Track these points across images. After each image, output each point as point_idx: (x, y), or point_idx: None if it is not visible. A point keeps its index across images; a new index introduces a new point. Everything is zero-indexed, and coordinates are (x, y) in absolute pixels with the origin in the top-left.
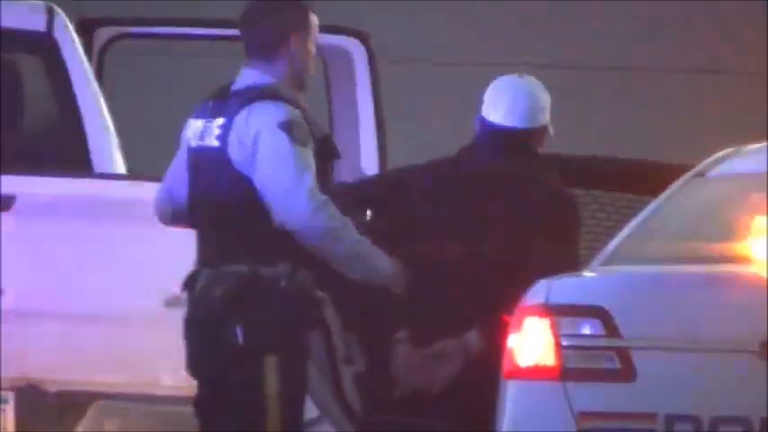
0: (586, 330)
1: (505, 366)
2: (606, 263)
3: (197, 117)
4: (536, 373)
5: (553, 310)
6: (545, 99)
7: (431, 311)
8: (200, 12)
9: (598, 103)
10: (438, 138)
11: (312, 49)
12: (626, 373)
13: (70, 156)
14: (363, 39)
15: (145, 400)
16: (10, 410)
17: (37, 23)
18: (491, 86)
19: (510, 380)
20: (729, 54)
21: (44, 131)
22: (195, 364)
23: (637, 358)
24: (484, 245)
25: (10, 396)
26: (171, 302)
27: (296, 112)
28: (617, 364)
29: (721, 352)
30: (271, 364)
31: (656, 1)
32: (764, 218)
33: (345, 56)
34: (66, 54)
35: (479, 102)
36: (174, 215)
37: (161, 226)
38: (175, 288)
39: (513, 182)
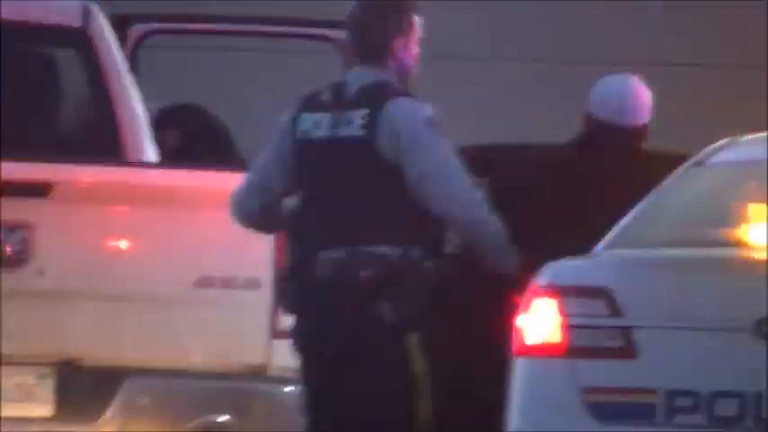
0: (591, 310)
1: (515, 344)
2: (610, 247)
3: (311, 111)
4: (544, 350)
5: (560, 292)
6: (648, 97)
7: None
8: (219, 9)
9: None
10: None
11: (416, 48)
12: (628, 350)
13: (104, 144)
14: None
15: (176, 375)
16: (49, 385)
17: (73, 19)
18: (599, 84)
19: (519, 357)
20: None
21: (80, 122)
22: (325, 342)
23: (638, 337)
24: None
25: (50, 372)
26: (200, 283)
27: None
28: (620, 342)
29: (718, 330)
30: (415, 344)
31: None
32: (761, 204)
33: None
34: (101, 49)
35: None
36: (262, 207)
37: (190, 211)
38: (204, 270)
39: (618, 178)
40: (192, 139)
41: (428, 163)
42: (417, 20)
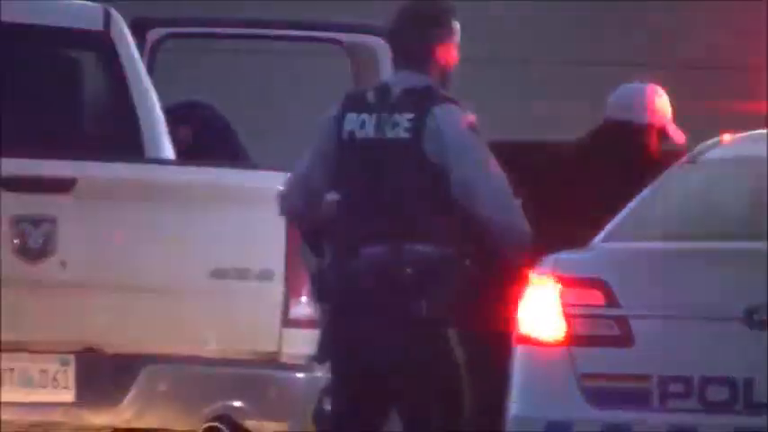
0: (588, 300)
1: (516, 333)
2: (607, 239)
3: (355, 112)
4: (543, 339)
5: (558, 282)
6: (659, 100)
7: None
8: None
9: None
10: None
11: (456, 54)
12: (624, 338)
13: (124, 143)
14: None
15: (192, 362)
16: (71, 371)
17: (95, 23)
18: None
19: (519, 345)
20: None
21: (101, 121)
22: (366, 335)
23: (634, 325)
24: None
25: (71, 359)
26: (216, 275)
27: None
28: (616, 331)
29: (710, 319)
30: (454, 337)
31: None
32: (750, 199)
33: (371, 52)
34: (121, 51)
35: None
36: (309, 206)
37: (206, 206)
38: (219, 262)
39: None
40: (199, 136)
41: (473, 170)
42: (457, 25)
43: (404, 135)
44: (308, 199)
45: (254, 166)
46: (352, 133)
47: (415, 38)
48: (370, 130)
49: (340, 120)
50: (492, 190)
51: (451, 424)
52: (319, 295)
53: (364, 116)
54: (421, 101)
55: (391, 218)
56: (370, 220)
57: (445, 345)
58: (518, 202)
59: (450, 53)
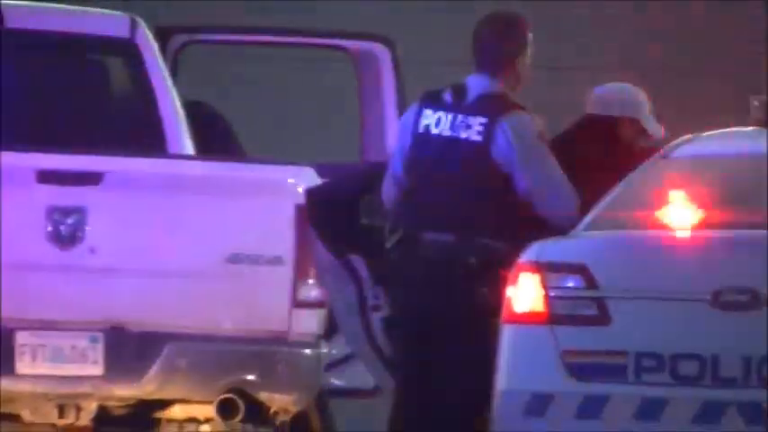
0: (570, 283)
1: (504, 313)
2: (587, 228)
3: (432, 108)
4: (529, 318)
5: (543, 267)
6: (633, 95)
7: None
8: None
9: None
10: None
11: (528, 63)
12: (602, 318)
13: (148, 139)
14: (389, 44)
15: (209, 340)
16: (100, 348)
17: (121, 31)
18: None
19: (507, 324)
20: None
21: (127, 120)
22: (426, 313)
23: (611, 306)
24: None
25: (100, 336)
26: (231, 260)
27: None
28: (595, 311)
29: (681, 301)
30: (495, 326)
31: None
32: (716, 191)
33: (374, 58)
34: (146, 56)
35: None
36: (397, 192)
37: (222, 198)
38: (234, 248)
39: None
40: (200, 133)
41: (541, 175)
42: (531, 38)
43: (475, 138)
44: (399, 188)
45: (268, 161)
46: (427, 128)
47: (495, 45)
48: (445, 128)
49: (418, 114)
50: (557, 195)
51: (483, 396)
52: (378, 278)
53: (440, 114)
54: (494, 107)
55: (459, 211)
56: (439, 210)
57: (494, 329)
58: (573, 194)
59: (525, 63)
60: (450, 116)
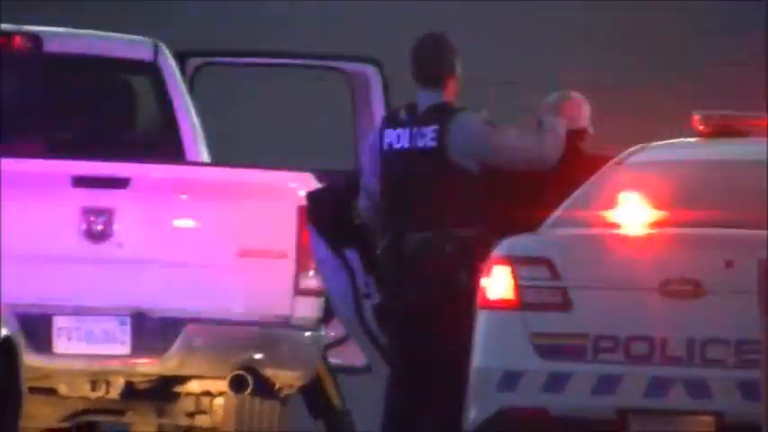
0: (537, 275)
1: (479, 300)
2: (551, 226)
3: (393, 127)
4: (501, 305)
5: (513, 260)
6: (578, 107)
7: None
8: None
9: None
10: None
11: (460, 76)
12: (565, 305)
13: (169, 148)
14: (378, 65)
15: (222, 323)
16: (127, 330)
17: (146, 54)
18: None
19: (482, 310)
20: None
21: (150, 131)
22: (415, 299)
23: (573, 294)
24: None
25: (127, 320)
26: (242, 254)
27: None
28: (559, 299)
29: (633, 289)
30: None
31: None
32: (665, 193)
33: (365, 78)
34: (167, 76)
35: None
36: (374, 206)
37: (234, 199)
38: (246, 243)
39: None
40: None
41: (501, 149)
42: (458, 51)
43: (431, 144)
44: (373, 200)
45: (272, 168)
46: (390, 145)
47: (439, 65)
48: (404, 142)
49: (381, 135)
50: (522, 153)
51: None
52: (369, 269)
53: (399, 131)
54: (441, 114)
55: (431, 210)
56: (414, 213)
57: (474, 308)
58: (534, 137)
59: (459, 74)
60: (407, 131)
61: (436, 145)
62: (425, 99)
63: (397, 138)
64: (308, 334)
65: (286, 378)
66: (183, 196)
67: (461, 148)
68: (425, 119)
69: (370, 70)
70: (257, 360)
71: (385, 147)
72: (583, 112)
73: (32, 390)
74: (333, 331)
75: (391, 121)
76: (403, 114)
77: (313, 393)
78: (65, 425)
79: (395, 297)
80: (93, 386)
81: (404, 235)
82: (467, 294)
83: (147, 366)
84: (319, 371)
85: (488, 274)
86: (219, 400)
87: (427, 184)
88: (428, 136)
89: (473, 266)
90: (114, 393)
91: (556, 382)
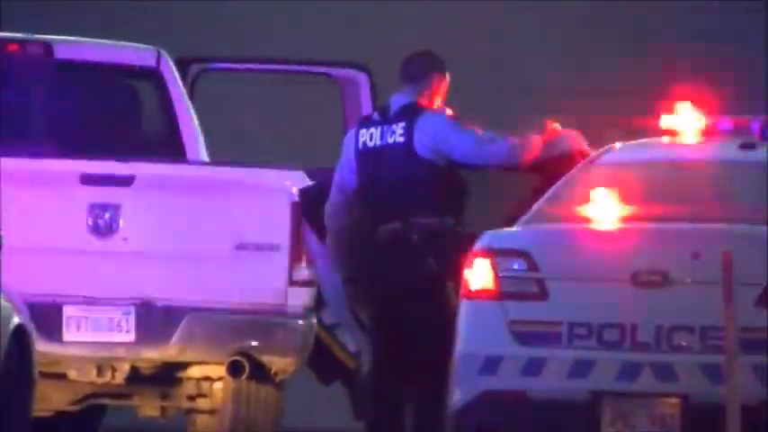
0: (515, 266)
1: (462, 291)
2: (529, 221)
3: (366, 127)
4: (482, 294)
5: (493, 253)
6: None
7: None
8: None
9: None
10: None
11: (443, 90)
12: (541, 294)
13: (171, 149)
14: (367, 71)
15: (221, 312)
16: (132, 319)
17: (150, 61)
18: None
19: (464, 300)
20: None
21: (154, 133)
22: (388, 286)
23: (549, 285)
24: None
25: (132, 310)
26: (239, 247)
27: (447, 113)
28: (536, 289)
29: (605, 280)
30: (451, 287)
31: None
32: (633, 190)
33: (354, 83)
34: (169, 82)
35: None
36: (345, 201)
37: (232, 197)
38: (242, 237)
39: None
40: None
41: (464, 146)
42: (447, 76)
43: (399, 139)
44: (345, 195)
45: (268, 166)
46: (365, 144)
47: (413, 70)
48: (377, 140)
49: (356, 135)
50: (487, 150)
51: (442, 350)
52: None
53: (372, 130)
54: (410, 113)
55: (400, 200)
56: (385, 205)
57: (443, 293)
58: (499, 137)
59: (441, 84)
60: (378, 129)
61: (404, 140)
62: (398, 100)
63: (371, 136)
64: (301, 322)
65: (280, 363)
66: (184, 193)
67: (427, 144)
68: (396, 118)
69: (359, 75)
70: (253, 347)
71: (360, 146)
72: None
73: (44, 375)
74: (325, 319)
75: (365, 121)
76: (376, 115)
77: (321, 360)
78: (74, 408)
79: (369, 286)
80: (101, 372)
81: (375, 227)
82: (436, 280)
83: (151, 353)
84: (323, 338)
85: (470, 265)
86: (219, 385)
87: (397, 177)
88: (397, 132)
89: (440, 254)
90: (120, 378)
91: (533, 367)
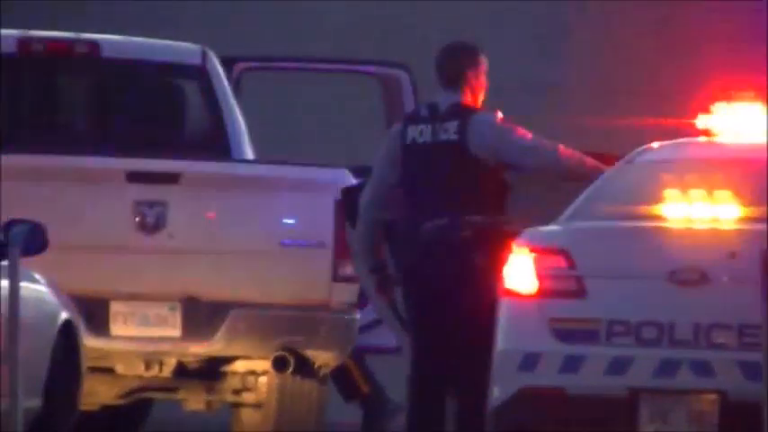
0: (555, 264)
1: (501, 288)
2: (568, 219)
3: (416, 124)
4: (521, 291)
5: (533, 250)
6: None
7: None
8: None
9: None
10: None
11: (483, 80)
12: (580, 292)
13: (216, 147)
14: (408, 70)
15: (266, 307)
16: (178, 314)
17: (195, 59)
18: None
19: (504, 296)
20: None
21: (199, 131)
22: (431, 282)
23: (588, 282)
24: None
25: (178, 305)
26: (285, 243)
27: (498, 116)
28: (574, 286)
29: (643, 278)
30: (489, 283)
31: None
32: (671, 189)
33: (396, 81)
34: (214, 80)
35: None
36: (382, 195)
37: (278, 193)
38: (287, 234)
39: None
40: None
41: (516, 148)
42: (485, 60)
43: (453, 137)
44: (382, 192)
45: (312, 165)
46: (414, 139)
47: (451, 67)
48: (427, 137)
49: (404, 132)
50: (536, 154)
51: (489, 342)
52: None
53: (422, 126)
54: (463, 112)
55: (448, 198)
56: (433, 201)
57: (490, 288)
58: (549, 143)
59: (478, 78)
60: (429, 126)
61: (458, 138)
62: (446, 99)
63: (420, 133)
64: (344, 317)
65: (324, 358)
66: (229, 190)
67: (479, 144)
68: (447, 115)
69: (401, 74)
70: (298, 341)
71: (408, 141)
72: None
73: (91, 369)
74: (367, 315)
75: (413, 118)
76: (425, 112)
77: (342, 379)
78: (121, 401)
79: (412, 280)
80: (147, 366)
81: (420, 224)
82: (482, 276)
83: (197, 348)
84: (345, 361)
85: (510, 263)
86: (263, 379)
87: (446, 174)
88: (451, 130)
89: (487, 251)
90: (167, 372)
91: (572, 364)
